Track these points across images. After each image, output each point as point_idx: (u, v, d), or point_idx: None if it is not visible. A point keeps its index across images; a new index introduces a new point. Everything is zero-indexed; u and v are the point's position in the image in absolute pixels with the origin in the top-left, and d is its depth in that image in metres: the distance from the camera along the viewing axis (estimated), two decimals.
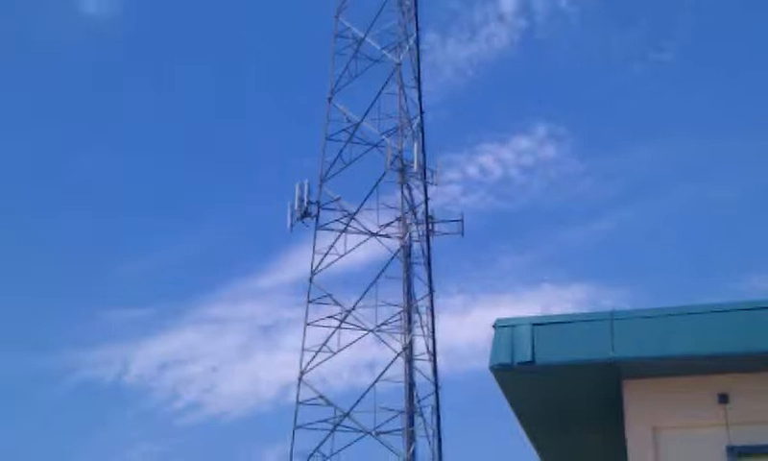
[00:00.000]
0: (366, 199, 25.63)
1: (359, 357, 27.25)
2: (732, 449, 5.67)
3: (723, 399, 5.79)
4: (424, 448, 23.98)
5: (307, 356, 24.77)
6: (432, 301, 25.15)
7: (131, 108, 46.09)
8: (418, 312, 24.96)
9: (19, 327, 44.14)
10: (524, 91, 46.39)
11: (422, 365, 24.56)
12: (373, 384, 24.03)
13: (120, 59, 46.58)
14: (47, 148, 46.37)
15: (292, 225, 25.90)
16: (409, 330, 24.60)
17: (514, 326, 5.80)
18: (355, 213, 25.66)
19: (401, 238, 25.41)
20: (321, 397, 24.48)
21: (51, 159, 46.17)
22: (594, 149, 48.30)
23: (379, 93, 26.06)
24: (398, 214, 25.65)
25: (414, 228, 25.78)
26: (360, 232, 25.63)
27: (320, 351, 24.81)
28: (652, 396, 5.94)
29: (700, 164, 44.71)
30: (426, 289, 25.21)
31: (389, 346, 24.53)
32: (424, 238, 25.70)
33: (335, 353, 24.86)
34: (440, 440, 24.06)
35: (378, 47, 26.45)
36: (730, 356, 5.56)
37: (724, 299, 5.73)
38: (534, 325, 5.79)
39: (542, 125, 45.81)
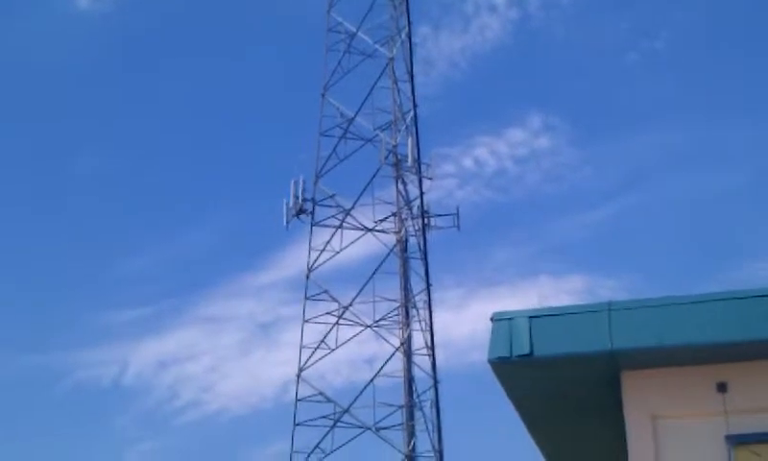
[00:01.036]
0: (361, 194, 25.67)
1: (357, 353, 27.29)
2: (730, 438, 5.68)
3: (722, 387, 5.78)
4: (424, 442, 24.03)
5: (306, 353, 24.81)
6: (429, 295, 25.18)
7: (126, 105, 46.04)
8: (415, 307, 24.98)
9: (17, 328, 44.12)
10: (518, 82, 46.41)
11: (421, 359, 24.61)
12: (372, 380, 24.08)
13: (115, 56, 46.49)
14: (45, 146, 46.33)
15: (288, 222, 25.94)
16: (407, 325, 24.61)
17: (511, 318, 5.79)
18: (351, 209, 25.69)
19: (397, 233, 25.41)
20: (320, 393, 24.50)
21: (49, 158, 46.14)
22: (589, 138, 48.44)
23: (372, 88, 26.08)
24: (394, 209, 25.67)
25: (410, 222, 25.81)
26: (356, 228, 25.65)
27: (318, 347, 24.85)
28: (651, 386, 5.93)
29: (696, 152, 44.78)
30: (423, 284, 25.24)
31: (387, 341, 24.58)
32: (420, 233, 25.71)
33: (333, 350, 24.91)
34: (440, 434, 24.09)
35: (371, 41, 26.46)
36: (728, 345, 5.55)
37: (723, 287, 5.71)
38: (531, 317, 5.77)
39: (537, 115, 45.86)
